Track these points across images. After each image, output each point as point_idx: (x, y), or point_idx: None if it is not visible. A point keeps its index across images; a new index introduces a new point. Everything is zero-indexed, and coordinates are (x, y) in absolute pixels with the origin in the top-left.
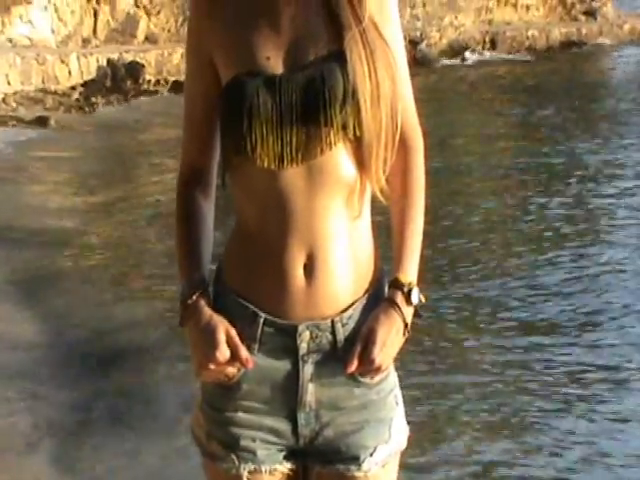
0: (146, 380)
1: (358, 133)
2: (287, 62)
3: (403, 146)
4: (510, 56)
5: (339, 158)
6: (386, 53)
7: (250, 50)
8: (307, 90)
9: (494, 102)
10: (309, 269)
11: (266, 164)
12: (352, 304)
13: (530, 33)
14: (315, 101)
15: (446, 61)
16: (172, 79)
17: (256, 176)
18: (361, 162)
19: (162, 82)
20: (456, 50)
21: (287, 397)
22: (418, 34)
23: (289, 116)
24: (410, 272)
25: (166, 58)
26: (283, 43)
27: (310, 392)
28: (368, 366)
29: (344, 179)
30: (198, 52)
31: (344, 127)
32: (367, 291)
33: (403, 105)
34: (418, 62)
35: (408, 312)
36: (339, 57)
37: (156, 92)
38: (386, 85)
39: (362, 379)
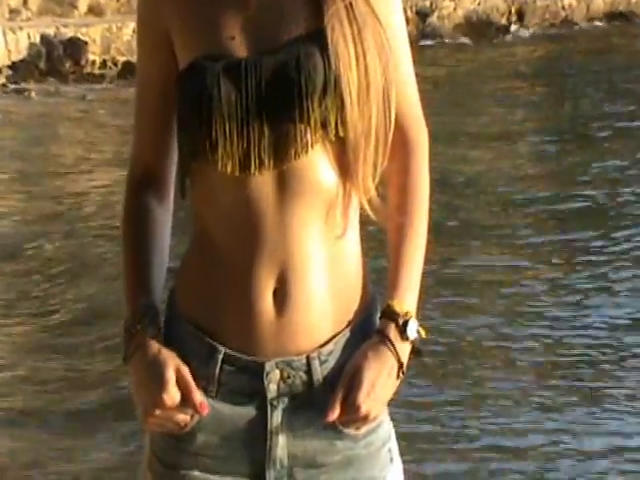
0: None
1: (341, 132)
2: (255, 43)
3: (401, 147)
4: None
5: (318, 163)
6: (378, 31)
7: (211, 28)
8: (279, 78)
9: (514, 93)
10: (280, 295)
11: (229, 169)
12: (333, 337)
13: (567, 2)
14: (288, 92)
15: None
16: (122, 60)
17: (218, 183)
18: (345, 168)
19: (110, 64)
20: (474, 24)
21: (253, 451)
22: (427, 4)
23: (257, 110)
24: (407, 300)
25: (115, 34)
26: (251, 20)
27: (281, 445)
28: (352, 414)
29: (324, 189)
30: (151, 27)
31: (324, 125)
32: (352, 321)
33: (402, 96)
34: (426, 38)
35: (403, 349)
36: (319, 37)
37: (102, 76)
38: (377, 72)
39: (345, 430)
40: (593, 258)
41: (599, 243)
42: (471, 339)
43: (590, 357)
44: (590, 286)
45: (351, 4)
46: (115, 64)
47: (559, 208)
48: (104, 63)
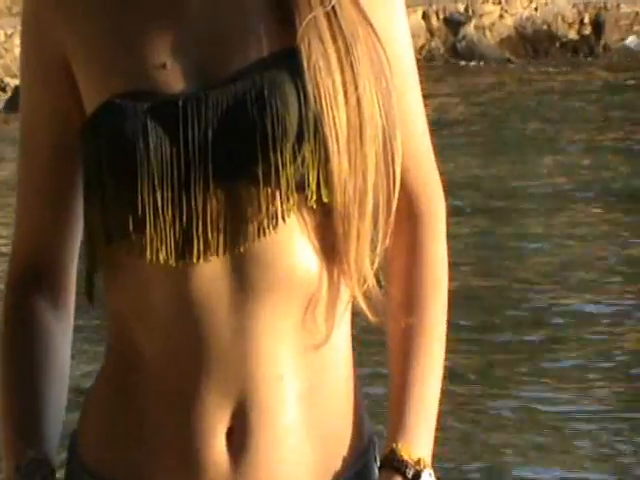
0: None
1: (325, 197)
2: (196, 72)
3: (408, 218)
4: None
5: (291, 242)
6: (374, 47)
7: (133, 53)
8: (233, 121)
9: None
10: (237, 436)
11: (162, 257)
12: None
13: None
14: (247, 141)
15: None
16: (13, 83)
17: (145, 277)
18: (331, 247)
19: None
20: (529, 37)
21: None
22: (461, 8)
23: (201, 170)
24: (419, 441)
25: (2, 45)
26: (190, 40)
27: None
28: None
29: (300, 279)
30: (40, 54)
31: (300, 187)
32: (341, 473)
33: (408, 142)
34: (458, 57)
35: None
36: (291, 60)
37: None
38: (375, 107)
39: None
40: None
41: None
42: None
43: None
44: None
45: (334, 10)
46: (3, 89)
47: None
48: None
